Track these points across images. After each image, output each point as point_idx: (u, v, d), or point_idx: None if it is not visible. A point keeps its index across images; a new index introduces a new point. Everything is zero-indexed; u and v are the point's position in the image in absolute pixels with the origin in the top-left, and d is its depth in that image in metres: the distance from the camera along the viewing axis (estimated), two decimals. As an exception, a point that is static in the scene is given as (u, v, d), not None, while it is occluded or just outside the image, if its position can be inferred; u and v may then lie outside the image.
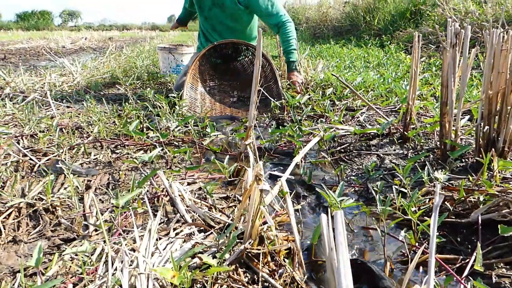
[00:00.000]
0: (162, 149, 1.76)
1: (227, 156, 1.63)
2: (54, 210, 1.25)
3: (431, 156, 1.57)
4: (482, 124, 1.40)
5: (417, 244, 1.02)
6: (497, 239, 1.01)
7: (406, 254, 1.02)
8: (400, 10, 6.87)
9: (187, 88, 2.53)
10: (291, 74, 2.89)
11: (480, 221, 1.03)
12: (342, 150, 1.80)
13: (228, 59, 3.28)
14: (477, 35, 4.18)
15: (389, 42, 5.99)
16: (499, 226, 0.94)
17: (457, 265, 0.96)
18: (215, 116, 2.54)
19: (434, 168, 1.47)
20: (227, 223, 1.12)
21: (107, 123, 2.15)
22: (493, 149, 1.31)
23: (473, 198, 1.16)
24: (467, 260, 0.93)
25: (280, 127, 2.16)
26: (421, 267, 0.98)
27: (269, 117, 2.43)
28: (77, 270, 0.93)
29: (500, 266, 0.93)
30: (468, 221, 1.09)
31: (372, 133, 1.90)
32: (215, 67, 3.20)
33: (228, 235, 0.99)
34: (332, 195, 1.01)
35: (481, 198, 1.12)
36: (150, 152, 1.78)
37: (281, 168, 1.67)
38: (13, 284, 0.91)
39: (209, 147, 1.81)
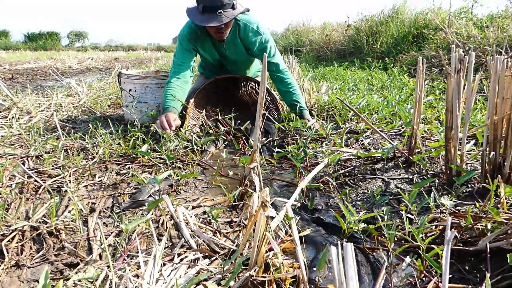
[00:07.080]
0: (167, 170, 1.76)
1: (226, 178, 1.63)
2: (58, 233, 1.25)
3: (437, 181, 1.56)
4: (487, 149, 1.39)
5: (424, 271, 1.01)
6: (506, 268, 0.99)
7: (414, 283, 1.00)
8: (403, 33, 6.96)
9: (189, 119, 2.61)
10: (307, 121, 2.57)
11: (488, 249, 1.02)
12: (347, 174, 1.79)
13: (226, 92, 3.27)
14: (480, 59, 4.22)
15: (392, 65, 6.04)
16: (508, 255, 0.92)
17: (466, 295, 0.94)
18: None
19: (440, 193, 1.46)
20: (232, 249, 1.11)
21: (112, 144, 2.15)
22: (499, 175, 1.31)
23: (480, 225, 1.14)
24: (476, 290, 0.92)
25: (283, 150, 2.16)
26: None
27: (271, 141, 2.43)
28: (80, 297, 0.92)
29: (510, 297, 0.92)
30: (476, 249, 1.07)
31: (377, 157, 1.89)
32: (213, 100, 3.21)
33: (233, 261, 0.98)
34: (352, 212, 1.01)
35: (489, 226, 1.11)
36: (155, 173, 1.78)
37: (285, 191, 1.66)
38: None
39: (213, 168, 1.81)
